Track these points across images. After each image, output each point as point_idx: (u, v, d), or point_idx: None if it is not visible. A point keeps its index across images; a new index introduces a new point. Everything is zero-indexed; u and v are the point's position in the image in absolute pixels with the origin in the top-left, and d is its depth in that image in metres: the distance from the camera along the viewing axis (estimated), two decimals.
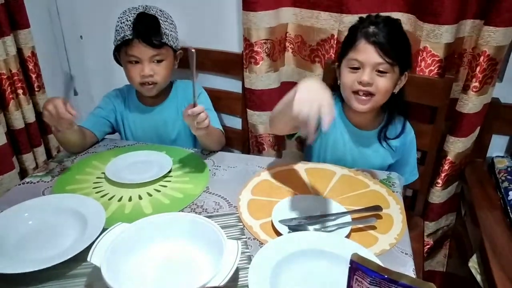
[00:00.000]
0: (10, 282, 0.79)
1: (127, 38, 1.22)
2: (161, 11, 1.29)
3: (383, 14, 1.12)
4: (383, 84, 1.07)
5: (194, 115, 1.05)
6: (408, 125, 1.22)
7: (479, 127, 1.37)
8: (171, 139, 1.39)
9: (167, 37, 1.27)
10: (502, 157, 1.44)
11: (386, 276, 0.58)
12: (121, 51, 1.27)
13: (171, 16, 1.33)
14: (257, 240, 0.90)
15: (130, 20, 1.23)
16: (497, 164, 1.40)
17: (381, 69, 1.06)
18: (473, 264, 1.15)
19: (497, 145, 1.46)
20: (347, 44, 1.11)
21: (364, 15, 1.13)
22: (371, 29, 1.06)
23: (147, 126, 1.39)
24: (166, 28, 1.27)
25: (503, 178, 1.32)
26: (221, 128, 1.34)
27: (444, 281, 1.60)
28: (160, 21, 1.26)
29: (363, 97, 1.09)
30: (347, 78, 1.10)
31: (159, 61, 1.27)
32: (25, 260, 0.84)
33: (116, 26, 1.27)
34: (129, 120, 1.38)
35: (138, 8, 1.26)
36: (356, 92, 1.09)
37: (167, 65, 1.30)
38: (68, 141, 1.21)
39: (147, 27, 1.23)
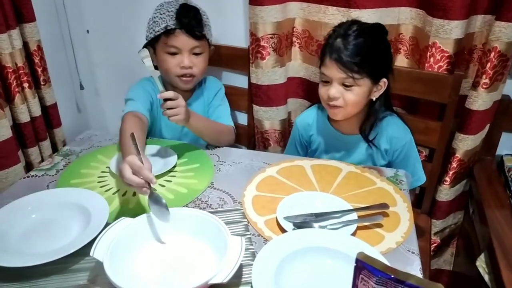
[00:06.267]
0: (13, 275, 0.79)
1: (169, 28, 1.22)
2: (197, 5, 1.30)
3: (362, 20, 1.14)
4: (350, 98, 1.09)
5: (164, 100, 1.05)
6: (399, 127, 1.20)
7: (488, 125, 1.34)
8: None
9: (207, 29, 1.29)
10: None
11: (392, 276, 0.57)
12: (158, 42, 1.26)
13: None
14: (262, 236, 0.89)
15: (172, 11, 1.23)
16: (506, 162, 1.38)
17: (346, 84, 1.08)
18: (481, 263, 1.13)
19: (506, 143, 1.43)
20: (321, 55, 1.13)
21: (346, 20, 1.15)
22: (337, 43, 1.07)
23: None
24: (205, 21, 1.29)
25: None
26: (231, 124, 1.33)
27: (451, 280, 1.59)
28: (201, 14, 1.27)
29: (334, 109, 1.13)
30: (320, 90, 1.14)
31: (198, 54, 1.28)
32: (29, 254, 0.84)
33: (153, 17, 1.26)
34: (160, 114, 1.32)
35: (178, 1, 1.27)
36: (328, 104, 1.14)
37: (205, 59, 1.31)
38: None
39: (190, 18, 1.24)
